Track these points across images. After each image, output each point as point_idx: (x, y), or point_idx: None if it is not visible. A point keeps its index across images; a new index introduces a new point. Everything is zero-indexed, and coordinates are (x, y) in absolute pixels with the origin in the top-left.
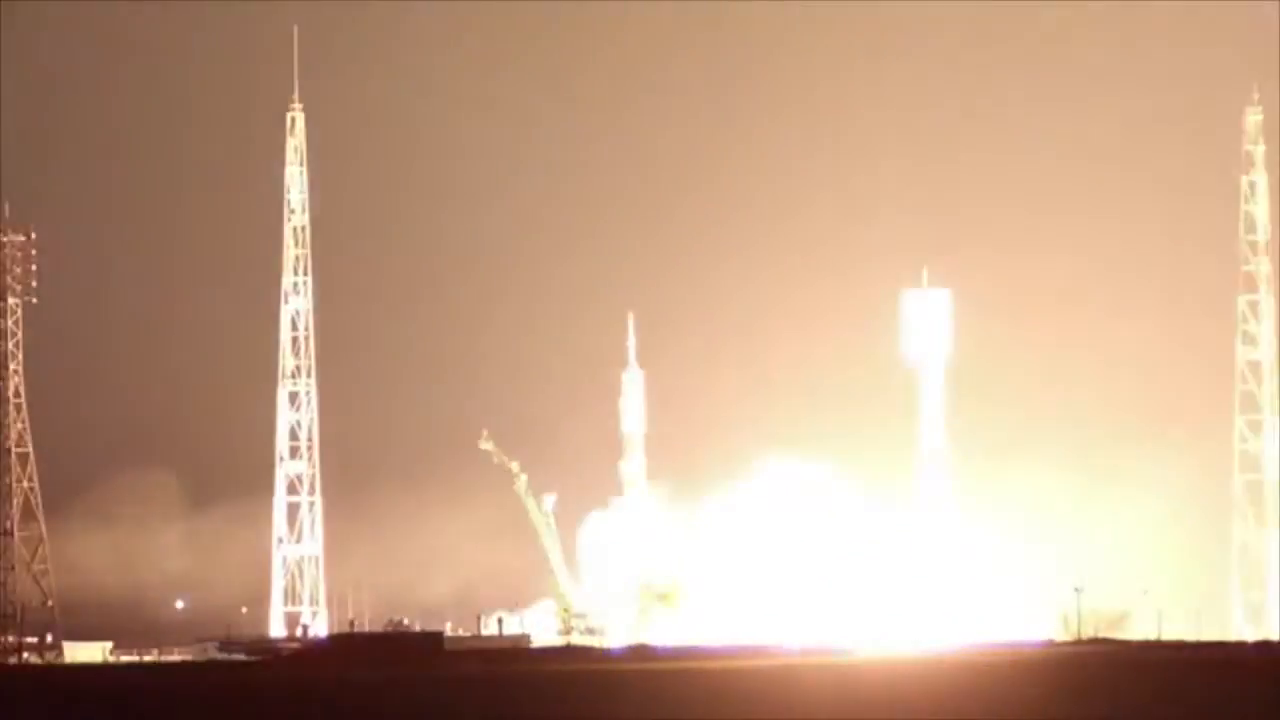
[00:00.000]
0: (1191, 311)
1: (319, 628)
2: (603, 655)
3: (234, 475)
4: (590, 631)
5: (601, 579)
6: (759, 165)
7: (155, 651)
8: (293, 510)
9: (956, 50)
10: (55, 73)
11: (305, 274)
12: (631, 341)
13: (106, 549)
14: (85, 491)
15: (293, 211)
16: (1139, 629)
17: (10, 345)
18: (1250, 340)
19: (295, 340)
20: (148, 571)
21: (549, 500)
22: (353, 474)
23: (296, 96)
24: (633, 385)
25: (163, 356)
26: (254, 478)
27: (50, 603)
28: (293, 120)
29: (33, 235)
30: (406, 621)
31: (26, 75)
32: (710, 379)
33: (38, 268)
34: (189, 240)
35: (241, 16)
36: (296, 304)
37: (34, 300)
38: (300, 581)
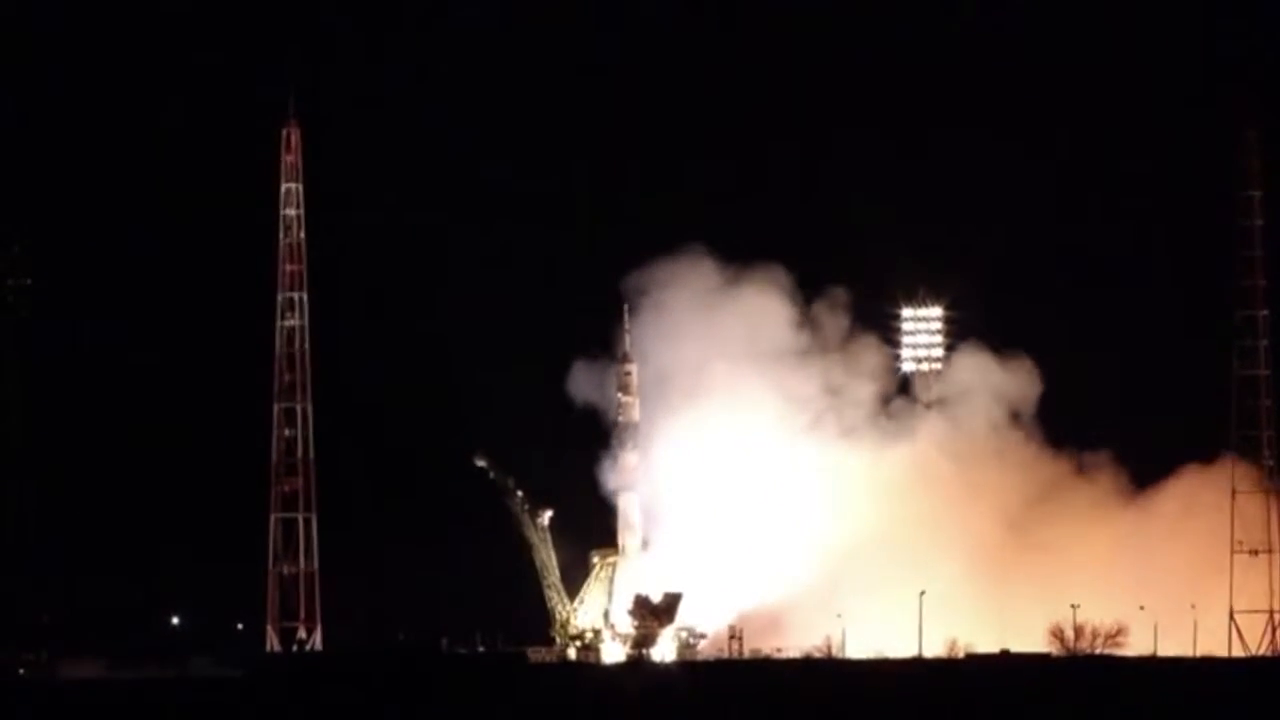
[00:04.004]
0: (1188, 326)
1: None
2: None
3: (229, 492)
4: (587, 648)
5: (598, 594)
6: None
7: (150, 668)
8: (288, 527)
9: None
10: (51, 86)
11: (301, 290)
12: (627, 334)
13: (102, 564)
14: (82, 505)
15: (289, 228)
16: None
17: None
18: (1246, 355)
19: (291, 356)
20: (143, 587)
21: (545, 516)
22: (348, 491)
23: (292, 112)
24: (628, 377)
25: (158, 371)
26: (249, 494)
27: (46, 618)
28: (288, 136)
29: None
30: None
31: (21, 85)
32: None
33: (32, 282)
34: (185, 255)
35: (240, 31)
36: (292, 320)
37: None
38: (296, 598)
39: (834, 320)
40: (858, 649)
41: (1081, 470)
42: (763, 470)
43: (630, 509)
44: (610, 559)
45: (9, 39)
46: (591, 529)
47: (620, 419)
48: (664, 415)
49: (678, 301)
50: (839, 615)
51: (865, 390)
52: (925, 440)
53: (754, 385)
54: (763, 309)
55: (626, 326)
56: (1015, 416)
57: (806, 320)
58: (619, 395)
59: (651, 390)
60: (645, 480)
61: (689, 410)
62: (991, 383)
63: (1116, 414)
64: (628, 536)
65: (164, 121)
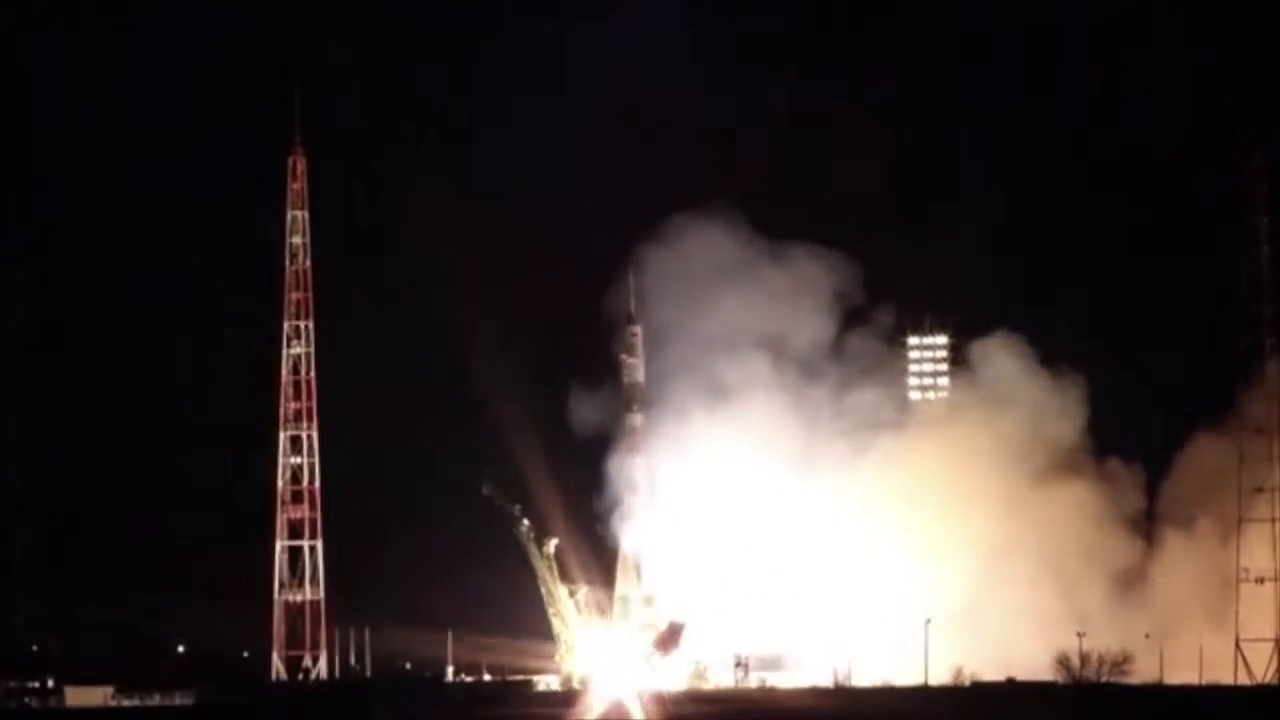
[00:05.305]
0: (1194, 352)
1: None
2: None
3: (235, 519)
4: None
5: (603, 622)
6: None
7: (157, 696)
8: (294, 555)
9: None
10: (54, 116)
11: (307, 318)
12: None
13: (107, 591)
14: (86, 532)
15: (294, 255)
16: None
17: None
18: (1253, 384)
19: (297, 384)
20: (148, 615)
21: (550, 545)
22: (354, 518)
23: (298, 140)
24: (634, 339)
25: (164, 399)
26: (255, 522)
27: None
28: (294, 164)
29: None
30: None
31: (25, 116)
32: None
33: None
34: (189, 282)
35: (244, 59)
36: (298, 348)
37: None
38: (302, 626)
39: (868, 344)
40: (864, 677)
41: (1086, 494)
42: (767, 491)
43: (631, 544)
44: (576, 592)
45: (9, 59)
46: (596, 559)
47: (625, 380)
48: (669, 400)
49: (693, 267)
50: (845, 644)
51: (880, 410)
52: (933, 458)
53: (767, 387)
54: (795, 303)
55: (632, 286)
56: (1035, 429)
57: (842, 341)
58: (624, 356)
59: (655, 369)
60: (650, 450)
61: (695, 406)
62: (1024, 391)
63: (1120, 437)
64: (627, 572)
65: (169, 147)
